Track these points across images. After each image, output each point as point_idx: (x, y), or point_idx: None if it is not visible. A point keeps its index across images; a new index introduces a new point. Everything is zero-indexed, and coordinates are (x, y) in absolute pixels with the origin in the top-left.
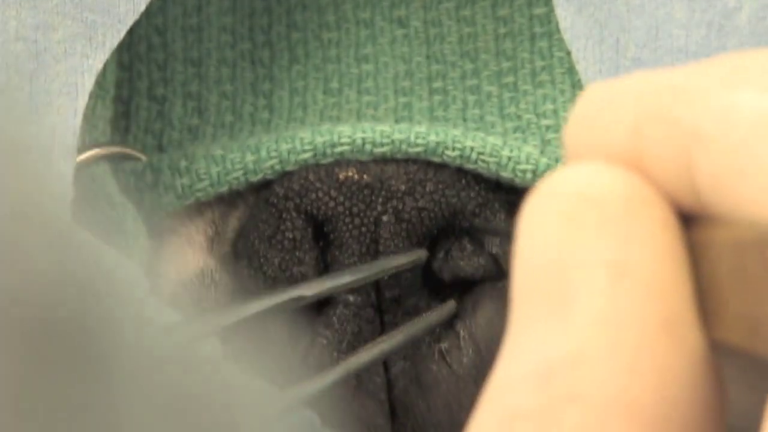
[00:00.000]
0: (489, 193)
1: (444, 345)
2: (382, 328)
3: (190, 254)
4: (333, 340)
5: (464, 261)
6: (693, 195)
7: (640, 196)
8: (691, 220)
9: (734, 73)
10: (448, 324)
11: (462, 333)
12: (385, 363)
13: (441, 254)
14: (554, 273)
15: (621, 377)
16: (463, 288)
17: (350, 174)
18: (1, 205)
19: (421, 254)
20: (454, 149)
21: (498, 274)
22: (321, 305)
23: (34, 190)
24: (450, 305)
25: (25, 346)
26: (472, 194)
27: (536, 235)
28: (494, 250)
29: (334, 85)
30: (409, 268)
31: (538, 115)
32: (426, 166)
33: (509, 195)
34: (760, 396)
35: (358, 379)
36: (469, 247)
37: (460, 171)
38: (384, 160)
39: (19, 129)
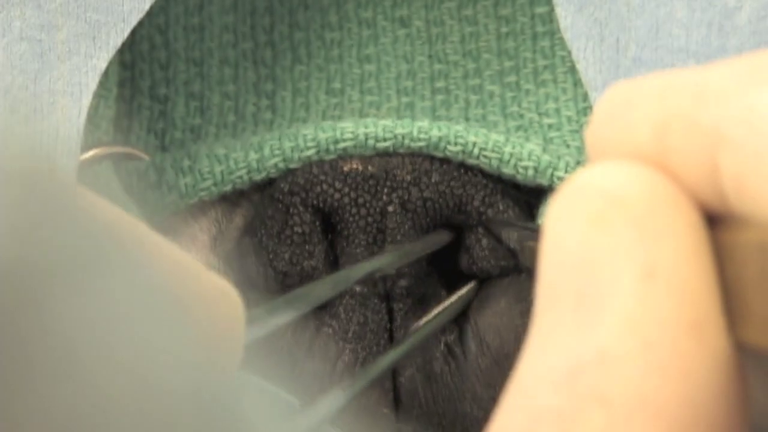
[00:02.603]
0: (497, 185)
1: (450, 337)
2: (390, 317)
3: (193, 251)
4: (338, 329)
5: (486, 257)
6: (718, 196)
7: (667, 196)
8: (716, 222)
9: (757, 73)
10: (455, 317)
11: (468, 325)
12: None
13: (463, 248)
14: (582, 273)
15: (649, 379)
16: (472, 279)
17: (354, 166)
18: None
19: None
20: (456, 144)
21: (515, 269)
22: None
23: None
24: (472, 286)
25: None
26: (479, 187)
27: (563, 235)
28: (512, 245)
29: (337, 85)
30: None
31: (540, 114)
32: (431, 159)
33: (515, 191)
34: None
35: (364, 367)
36: (488, 242)
37: (465, 165)
38: (388, 153)
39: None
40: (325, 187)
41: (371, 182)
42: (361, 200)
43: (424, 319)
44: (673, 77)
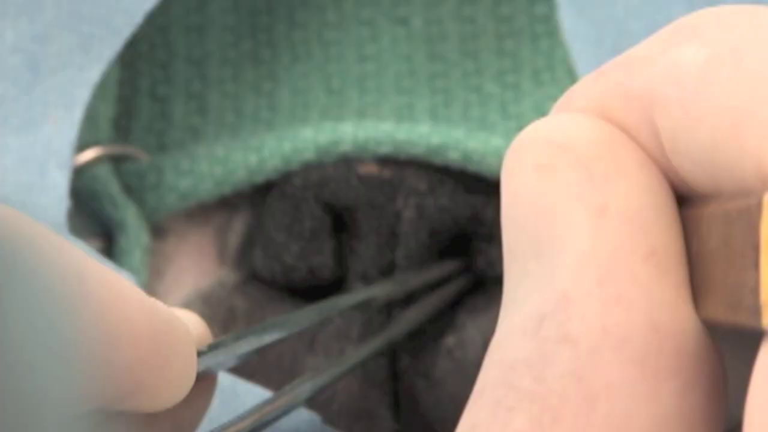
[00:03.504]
0: None
1: (451, 340)
2: (390, 320)
3: (205, 264)
4: (342, 327)
5: (495, 262)
6: (666, 164)
7: (612, 138)
8: (685, 201)
9: (677, 34)
10: (457, 319)
11: (470, 328)
12: (392, 357)
13: (476, 256)
14: (537, 221)
15: (609, 311)
16: (475, 285)
17: (370, 170)
18: None
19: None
20: (456, 150)
21: None
22: (334, 292)
23: None
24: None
25: None
26: (492, 197)
27: (515, 189)
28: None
29: (336, 84)
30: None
31: (540, 115)
32: (444, 171)
33: None
34: (746, 366)
35: (364, 369)
36: (495, 250)
37: (479, 177)
38: (403, 163)
39: None
40: (341, 185)
41: (387, 186)
42: (376, 202)
43: (414, 309)
44: (604, 64)
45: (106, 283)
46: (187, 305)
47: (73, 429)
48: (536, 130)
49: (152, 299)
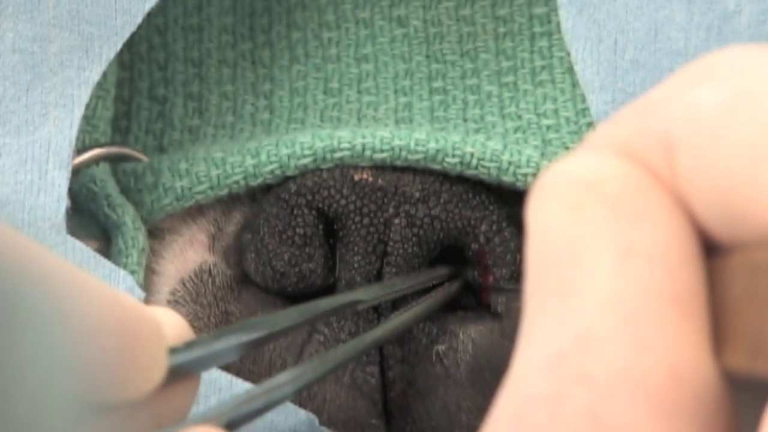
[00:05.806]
0: (502, 211)
1: (442, 347)
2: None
3: (191, 252)
4: (330, 337)
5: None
6: (687, 205)
7: (641, 179)
8: (711, 251)
9: (692, 76)
10: (447, 326)
11: (461, 336)
12: (381, 365)
13: (465, 266)
14: (563, 259)
15: (628, 353)
16: (466, 291)
17: (365, 176)
18: None
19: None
20: (453, 156)
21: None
22: None
23: None
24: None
25: None
26: (487, 212)
27: (542, 226)
28: (498, 309)
29: (334, 85)
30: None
31: (538, 115)
32: (442, 179)
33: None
34: (754, 416)
35: (353, 379)
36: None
37: (477, 187)
38: (401, 168)
39: None
40: (332, 192)
41: (379, 194)
42: (366, 210)
43: (404, 311)
44: (624, 108)
45: (72, 279)
46: (179, 304)
47: (50, 419)
48: (565, 167)
49: (119, 294)
